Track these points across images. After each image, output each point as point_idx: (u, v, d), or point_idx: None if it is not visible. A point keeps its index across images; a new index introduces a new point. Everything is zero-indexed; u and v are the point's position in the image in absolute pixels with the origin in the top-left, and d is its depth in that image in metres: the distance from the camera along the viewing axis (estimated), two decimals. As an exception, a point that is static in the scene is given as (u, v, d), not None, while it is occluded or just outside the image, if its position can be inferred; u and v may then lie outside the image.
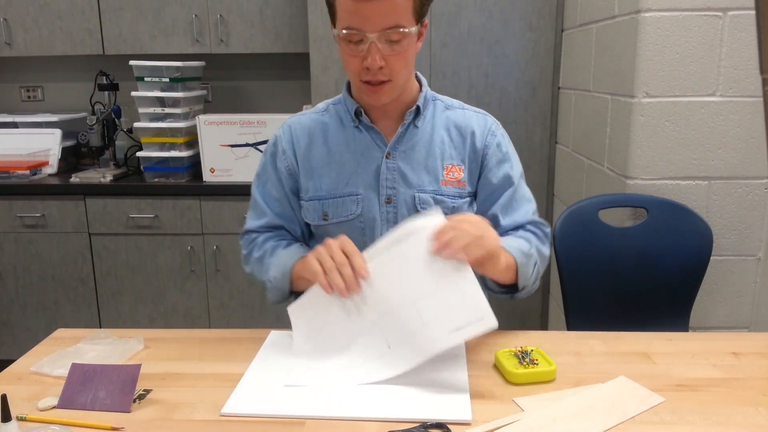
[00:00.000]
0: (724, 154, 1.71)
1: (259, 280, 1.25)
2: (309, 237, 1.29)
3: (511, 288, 1.16)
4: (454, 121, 1.23)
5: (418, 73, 1.23)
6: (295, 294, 1.18)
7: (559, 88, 2.46)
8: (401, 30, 1.05)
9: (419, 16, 1.09)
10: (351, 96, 1.21)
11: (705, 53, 1.65)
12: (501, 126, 1.27)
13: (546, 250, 1.22)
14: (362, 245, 1.18)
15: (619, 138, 1.80)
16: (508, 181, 1.22)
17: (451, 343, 0.95)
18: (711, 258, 1.63)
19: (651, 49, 1.66)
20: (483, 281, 1.14)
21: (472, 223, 1.00)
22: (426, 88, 1.23)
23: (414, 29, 1.08)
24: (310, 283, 1.07)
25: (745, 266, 1.79)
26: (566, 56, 2.39)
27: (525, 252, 1.13)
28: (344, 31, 1.06)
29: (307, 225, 1.26)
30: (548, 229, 1.26)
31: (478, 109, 1.27)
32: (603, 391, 0.93)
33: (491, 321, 0.93)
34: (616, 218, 1.78)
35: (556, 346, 1.08)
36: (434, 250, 0.97)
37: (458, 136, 1.22)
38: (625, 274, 1.63)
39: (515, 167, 1.24)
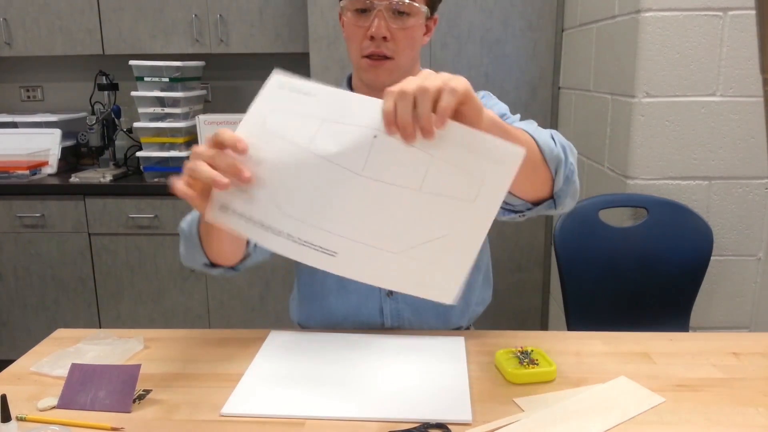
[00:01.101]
0: (725, 154, 1.71)
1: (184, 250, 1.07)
2: None
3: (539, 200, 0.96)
4: None
5: (422, 68, 1.21)
6: (210, 264, 1.03)
7: (559, 88, 2.46)
8: (410, 3, 1.04)
9: (430, 1, 1.08)
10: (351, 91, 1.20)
11: (705, 53, 1.65)
12: (494, 96, 1.19)
13: (547, 133, 0.95)
14: None
15: (619, 138, 1.80)
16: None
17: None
18: (711, 258, 1.63)
19: (651, 49, 1.66)
20: (503, 206, 0.96)
21: (424, 75, 0.73)
22: None
23: (424, 9, 1.07)
24: (219, 230, 0.90)
25: (745, 266, 1.79)
26: (566, 56, 2.39)
27: (532, 129, 0.93)
28: None
29: None
30: (568, 144, 0.98)
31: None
32: (603, 391, 0.93)
33: (450, 297, 0.78)
34: (617, 218, 1.78)
35: (557, 346, 1.08)
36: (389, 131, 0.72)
37: None
38: (625, 274, 1.63)
39: (504, 109, 1.13)
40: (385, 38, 1.06)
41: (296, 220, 0.79)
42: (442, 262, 0.79)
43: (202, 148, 0.81)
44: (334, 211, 0.78)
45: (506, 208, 1.01)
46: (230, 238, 0.99)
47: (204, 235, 1.00)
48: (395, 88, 0.72)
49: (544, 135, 0.94)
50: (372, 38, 1.06)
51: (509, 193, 0.92)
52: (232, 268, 1.08)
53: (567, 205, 1.00)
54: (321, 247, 0.79)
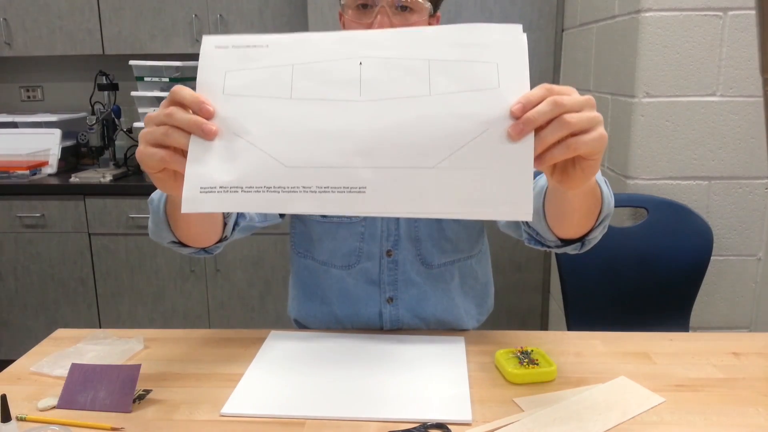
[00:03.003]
0: (725, 154, 1.71)
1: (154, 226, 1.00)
2: (296, 239, 1.23)
3: (576, 238, 0.96)
4: None
5: None
6: (178, 242, 0.98)
7: (559, 88, 2.46)
8: None
9: None
10: None
11: (705, 53, 1.65)
12: None
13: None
14: (358, 252, 1.17)
15: (619, 138, 1.80)
16: None
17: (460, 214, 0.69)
18: (711, 258, 1.63)
19: (651, 49, 1.66)
20: (533, 236, 0.99)
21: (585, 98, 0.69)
22: None
23: (428, 5, 1.05)
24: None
25: (745, 266, 1.79)
26: (566, 56, 2.39)
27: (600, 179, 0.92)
28: None
29: (297, 224, 1.22)
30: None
31: None
32: (603, 391, 0.93)
33: (526, 211, 0.67)
34: (617, 218, 1.78)
35: (557, 346, 1.08)
36: (515, 109, 0.66)
37: None
38: (625, 274, 1.63)
39: None
40: None
41: (306, 168, 0.69)
42: (495, 167, 0.67)
43: (155, 112, 0.71)
44: (345, 145, 0.69)
45: (537, 238, 1.01)
46: (199, 221, 0.94)
47: (171, 214, 0.94)
48: (556, 87, 0.67)
49: (606, 188, 0.93)
50: None
51: (546, 227, 0.94)
52: (204, 249, 1.02)
53: (588, 248, 0.99)
54: (345, 188, 0.68)
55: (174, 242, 0.99)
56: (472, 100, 0.68)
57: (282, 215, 1.19)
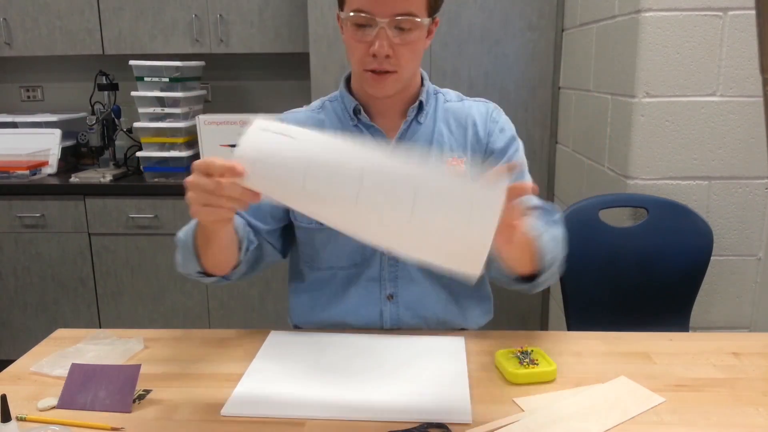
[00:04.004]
0: (725, 154, 1.71)
1: (181, 262, 1.14)
2: (286, 244, 1.24)
3: (528, 277, 1.08)
4: (454, 112, 1.20)
5: (420, 68, 1.19)
6: (204, 273, 1.11)
7: (559, 88, 2.46)
8: (413, 19, 1.03)
9: (432, 10, 1.07)
10: (349, 92, 1.17)
11: (705, 53, 1.65)
12: (502, 112, 1.24)
13: (558, 231, 1.11)
14: (359, 253, 1.17)
15: (619, 138, 1.80)
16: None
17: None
18: (711, 258, 1.63)
19: (651, 49, 1.66)
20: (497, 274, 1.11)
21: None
22: (428, 82, 1.20)
23: (426, 21, 1.06)
24: (215, 238, 1.03)
25: (745, 266, 1.79)
26: (566, 56, 2.39)
27: (536, 228, 1.04)
28: (352, 14, 1.03)
29: (290, 232, 1.23)
30: (557, 214, 1.15)
31: (477, 98, 1.24)
32: (603, 391, 0.93)
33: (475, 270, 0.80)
34: (617, 218, 1.78)
35: (556, 346, 1.08)
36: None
37: (458, 127, 1.18)
38: (625, 274, 1.63)
39: (520, 152, 1.20)
40: (387, 55, 1.04)
41: None
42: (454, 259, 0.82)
43: (204, 180, 0.85)
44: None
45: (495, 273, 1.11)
46: (224, 247, 1.06)
47: (201, 246, 1.06)
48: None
49: (553, 244, 1.07)
50: (374, 55, 1.04)
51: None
52: (224, 277, 1.13)
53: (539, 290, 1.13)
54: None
55: (200, 272, 1.11)
56: (445, 227, 0.81)
57: (285, 255, 1.27)
